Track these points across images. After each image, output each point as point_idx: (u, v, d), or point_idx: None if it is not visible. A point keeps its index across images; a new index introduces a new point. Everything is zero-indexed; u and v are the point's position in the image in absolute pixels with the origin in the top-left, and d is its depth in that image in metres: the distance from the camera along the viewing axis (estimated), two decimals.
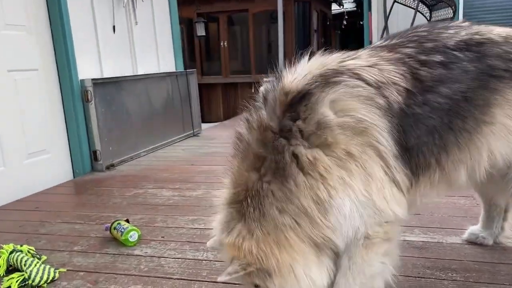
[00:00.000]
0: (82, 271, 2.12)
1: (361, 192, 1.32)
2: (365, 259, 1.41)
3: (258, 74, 9.73)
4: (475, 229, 2.16)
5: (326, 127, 1.32)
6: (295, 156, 1.32)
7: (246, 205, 1.37)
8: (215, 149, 5.06)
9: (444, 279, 1.83)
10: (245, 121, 1.45)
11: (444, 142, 1.43)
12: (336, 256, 1.44)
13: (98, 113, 4.21)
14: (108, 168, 4.31)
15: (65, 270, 2.12)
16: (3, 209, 3.22)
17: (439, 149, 1.43)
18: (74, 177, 4.15)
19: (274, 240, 1.33)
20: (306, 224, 1.33)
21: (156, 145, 5.18)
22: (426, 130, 1.41)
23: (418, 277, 1.86)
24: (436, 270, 1.92)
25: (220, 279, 1.34)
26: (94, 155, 4.25)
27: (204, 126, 6.66)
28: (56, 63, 4.00)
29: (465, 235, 2.18)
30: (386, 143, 1.34)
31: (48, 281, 2.00)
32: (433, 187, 1.52)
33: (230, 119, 7.90)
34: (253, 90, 10.09)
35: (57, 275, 2.04)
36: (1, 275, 2.09)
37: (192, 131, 6.01)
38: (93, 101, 4.15)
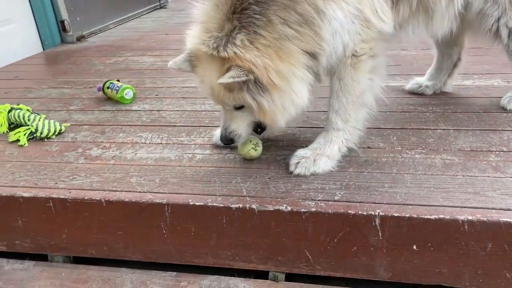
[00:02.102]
0: (86, 125, 2.19)
1: (353, 3, 1.42)
2: (354, 78, 1.55)
3: None
4: (420, 79, 2.29)
5: None
6: None
7: (250, 13, 1.40)
8: (187, 19, 4.88)
9: (425, 112, 2.05)
10: None
11: None
12: (314, 79, 1.52)
13: None
14: (79, 39, 4.14)
15: (68, 124, 2.18)
16: None
17: None
18: (44, 49, 3.98)
19: (275, 52, 1.40)
20: (306, 33, 1.40)
21: (123, 17, 4.93)
22: None
23: (403, 112, 2.07)
24: (418, 106, 2.12)
25: (220, 80, 1.39)
26: (62, 26, 4.04)
27: None
28: None
29: (409, 85, 2.30)
30: None
31: (56, 133, 2.07)
32: (413, 14, 1.62)
33: None
34: None
35: (63, 128, 2.11)
36: (4, 132, 2.14)
37: (158, 3, 5.72)
38: None
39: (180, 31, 4.35)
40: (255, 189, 1.53)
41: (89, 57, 3.56)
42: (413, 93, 2.27)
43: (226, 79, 1.38)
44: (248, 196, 1.49)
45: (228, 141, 1.62)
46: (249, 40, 1.40)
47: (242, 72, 1.38)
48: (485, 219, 1.30)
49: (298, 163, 1.59)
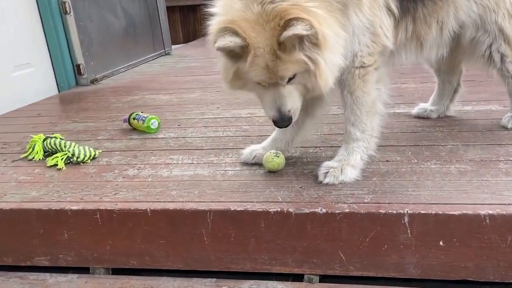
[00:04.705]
0: (117, 151, 2.33)
1: (367, 14, 1.63)
2: (364, 90, 1.73)
3: None
4: (424, 105, 2.50)
5: None
6: None
7: None
8: (193, 64, 5.17)
9: (434, 132, 2.23)
10: None
11: None
12: None
13: (78, 26, 4.16)
14: (92, 82, 4.35)
15: (100, 151, 2.31)
16: (4, 117, 3.27)
17: None
18: (59, 92, 4.17)
19: (327, 21, 1.47)
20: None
21: (133, 62, 5.20)
22: None
23: (412, 132, 2.25)
24: (426, 127, 2.31)
25: (286, 34, 1.37)
26: (78, 69, 4.26)
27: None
28: None
29: (415, 110, 2.49)
30: None
31: (91, 157, 2.20)
32: (407, 40, 1.84)
33: (196, 40, 7.86)
34: None
35: (97, 153, 2.24)
36: (40, 159, 2.26)
37: (163, 50, 6.02)
38: (71, 13, 4.08)
39: (188, 74, 4.62)
40: (289, 196, 1.66)
41: (106, 96, 3.74)
42: (419, 117, 2.46)
43: (294, 31, 1.36)
44: (284, 202, 1.62)
45: (288, 120, 1.57)
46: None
47: (308, 26, 1.37)
48: (504, 212, 1.44)
49: (326, 173, 1.74)
